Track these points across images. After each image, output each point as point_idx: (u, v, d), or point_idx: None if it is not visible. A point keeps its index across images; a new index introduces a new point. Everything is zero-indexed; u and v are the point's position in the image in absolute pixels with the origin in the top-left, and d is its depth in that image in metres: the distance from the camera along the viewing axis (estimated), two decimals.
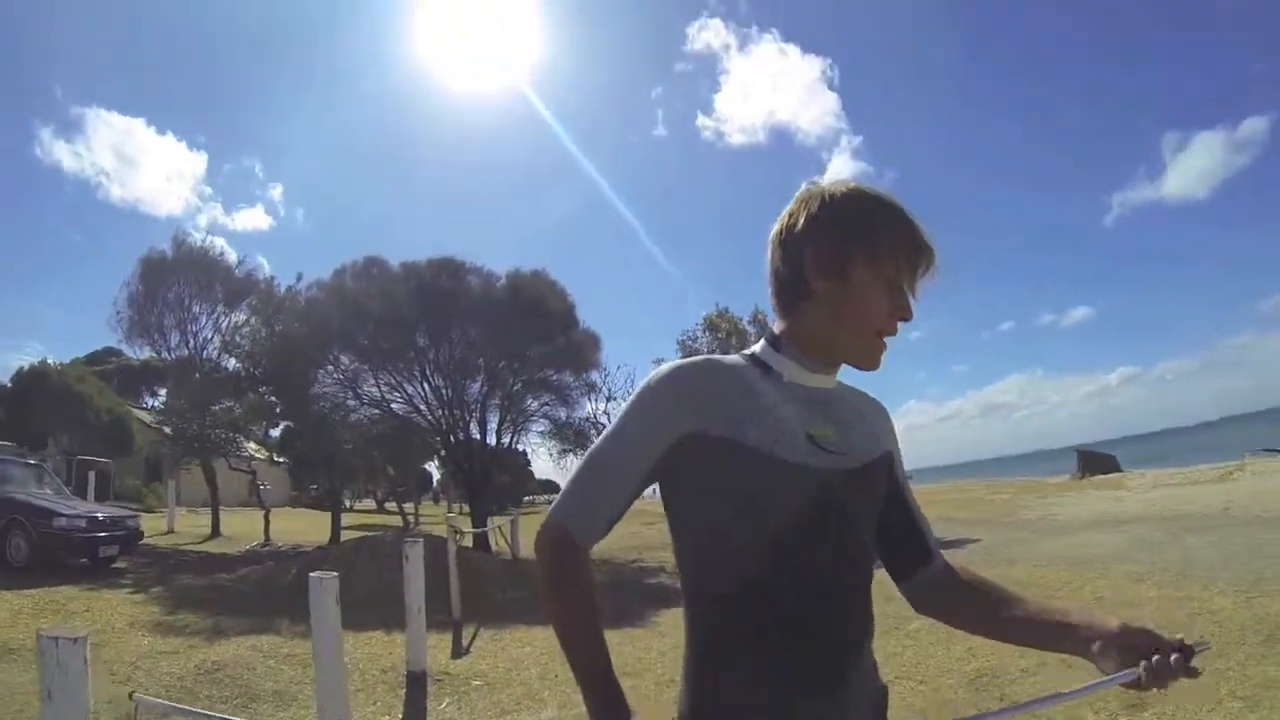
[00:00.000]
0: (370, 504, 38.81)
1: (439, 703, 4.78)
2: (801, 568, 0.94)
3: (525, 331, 14.98)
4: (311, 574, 3.69)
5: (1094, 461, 20.96)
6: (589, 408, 16.90)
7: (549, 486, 59.65)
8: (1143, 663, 0.87)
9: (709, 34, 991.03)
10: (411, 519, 25.65)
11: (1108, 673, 0.90)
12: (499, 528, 13.45)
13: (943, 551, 1.15)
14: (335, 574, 3.73)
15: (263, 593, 8.34)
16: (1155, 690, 0.84)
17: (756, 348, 1.07)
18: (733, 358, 1.05)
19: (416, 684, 5.05)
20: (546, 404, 16.83)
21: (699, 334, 17.72)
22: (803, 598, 0.94)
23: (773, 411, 0.98)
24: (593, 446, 1.02)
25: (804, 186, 1.06)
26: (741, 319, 17.60)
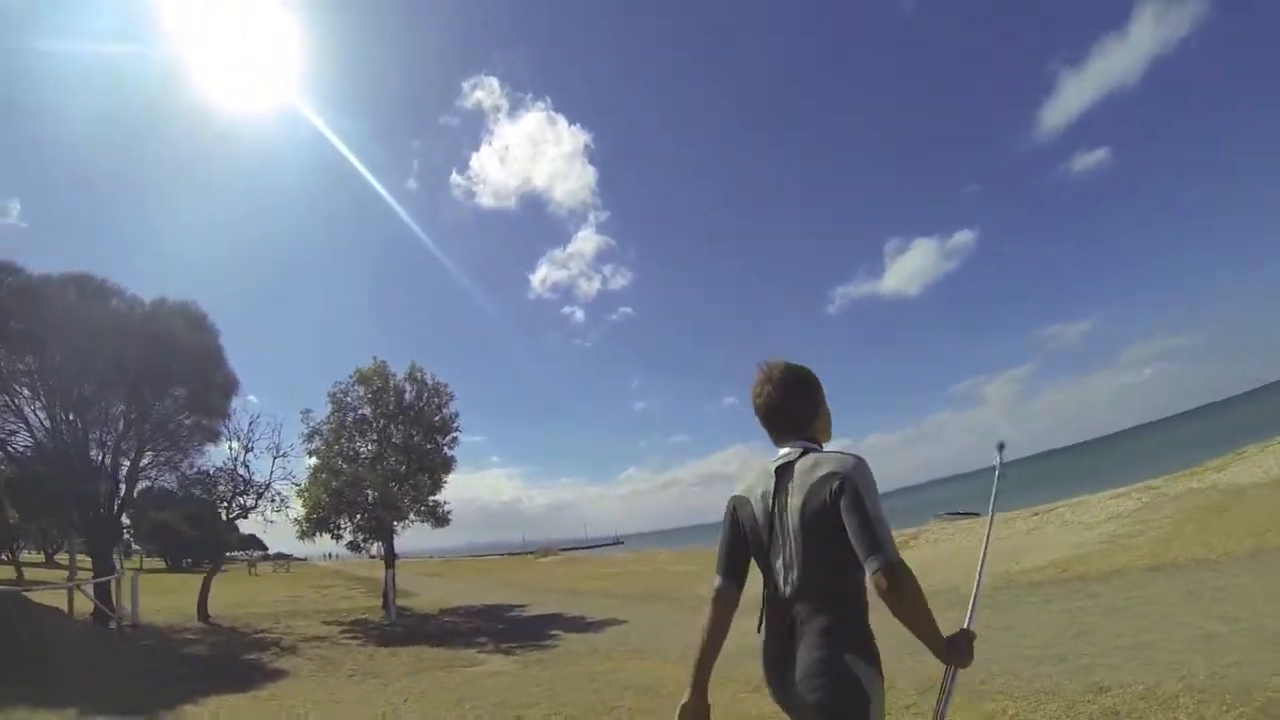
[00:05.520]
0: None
1: None
2: None
3: (151, 367, 13.33)
4: None
5: None
6: (225, 456, 15.61)
7: (251, 542, 53.03)
8: None
9: (483, 93, 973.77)
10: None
11: None
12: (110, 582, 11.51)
13: None
14: None
15: None
16: None
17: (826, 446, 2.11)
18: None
19: None
20: (165, 449, 15.07)
21: (350, 385, 17.75)
22: None
23: None
24: (876, 506, 1.78)
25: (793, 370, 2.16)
26: (396, 374, 18.03)
